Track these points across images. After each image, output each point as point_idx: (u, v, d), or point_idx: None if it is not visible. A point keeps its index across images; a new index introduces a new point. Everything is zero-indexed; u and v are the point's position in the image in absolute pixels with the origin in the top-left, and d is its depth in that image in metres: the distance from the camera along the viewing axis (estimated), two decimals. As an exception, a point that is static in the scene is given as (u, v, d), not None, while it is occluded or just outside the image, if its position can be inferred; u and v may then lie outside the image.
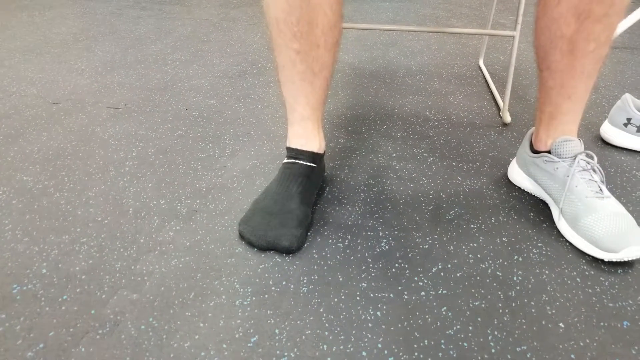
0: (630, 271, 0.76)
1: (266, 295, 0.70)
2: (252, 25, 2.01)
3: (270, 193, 0.86)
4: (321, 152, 0.92)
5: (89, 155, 1.04)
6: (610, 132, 1.11)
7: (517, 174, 0.96)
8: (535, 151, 0.92)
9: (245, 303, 0.69)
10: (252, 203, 0.86)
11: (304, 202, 0.85)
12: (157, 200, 0.91)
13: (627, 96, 1.08)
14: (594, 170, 0.85)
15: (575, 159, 0.84)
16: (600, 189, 0.82)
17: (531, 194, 0.95)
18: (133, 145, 1.08)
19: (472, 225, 0.86)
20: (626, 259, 0.76)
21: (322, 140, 0.92)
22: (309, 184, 0.88)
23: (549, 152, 0.88)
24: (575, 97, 0.84)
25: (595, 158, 0.85)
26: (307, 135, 0.89)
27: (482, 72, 1.54)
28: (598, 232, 0.78)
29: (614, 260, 0.76)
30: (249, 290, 0.71)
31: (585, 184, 0.82)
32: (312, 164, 0.89)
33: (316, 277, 0.74)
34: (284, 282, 0.73)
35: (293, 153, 0.89)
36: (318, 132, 0.91)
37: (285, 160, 0.90)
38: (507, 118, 1.22)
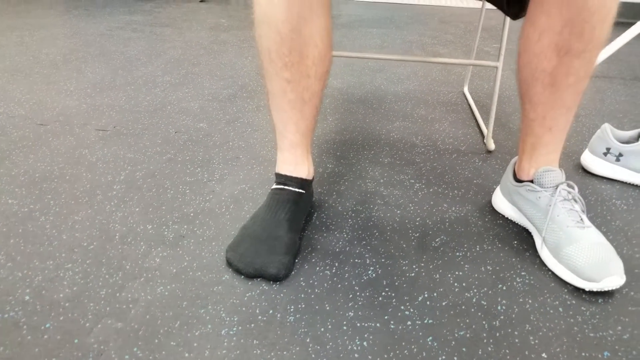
0: (610, 301, 0.78)
1: (252, 325, 0.70)
2: (242, 49, 2.03)
3: (258, 219, 0.86)
4: (310, 178, 0.93)
5: (76, 179, 1.04)
6: (591, 161, 1.13)
7: (501, 202, 0.98)
8: (518, 180, 0.94)
9: (231, 332, 0.69)
10: (240, 229, 0.86)
11: (292, 228, 0.85)
12: (144, 225, 0.91)
13: (606, 126, 1.11)
14: (574, 200, 0.87)
15: (556, 188, 0.86)
16: (581, 219, 0.84)
17: (514, 222, 0.96)
18: (121, 169, 1.09)
19: (457, 253, 0.87)
20: (607, 289, 0.77)
21: (311, 166, 0.93)
22: (297, 210, 0.88)
23: (531, 181, 0.90)
24: (556, 129, 0.86)
25: (576, 188, 0.87)
26: (296, 162, 0.90)
27: (467, 99, 1.57)
28: (579, 262, 0.79)
29: (595, 289, 0.77)
30: (235, 319, 0.71)
31: (567, 214, 0.84)
32: (300, 190, 0.90)
33: (303, 306, 0.74)
34: (270, 311, 0.73)
35: (282, 179, 0.90)
36: (307, 158, 0.92)
37: (274, 186, 0.90)
38: (491, 145, 1.24)
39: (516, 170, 0.95)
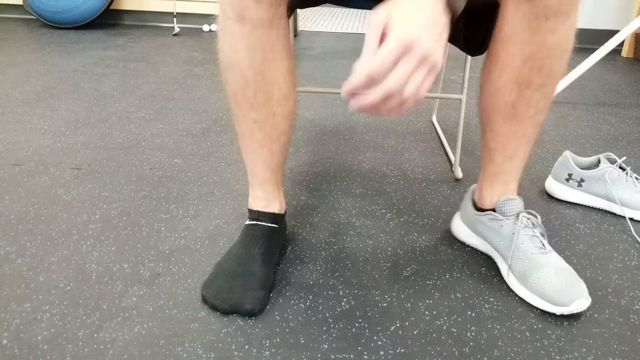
0: (575, 323, 0.81)
1: (229, 360, 0.72)
2: (215, 83, 2.06)
3: (232, 255, 0.88)
4: (282, 212, 0.95)
5: (52, 219, 1.05)
6: (554, 186, 1.18)
7: (462, 231, 1.01)
8: (479, 209, 0.97)
9: (208, 368, 0.71)
10: (214, 265, 0.88)
11: (266, 263, 0.87)
12: (121, 264, 0.92)
13: (567, 153, 1.16)
14: (534, 226, 0.91)
15: (518, 216, 0.90)
16: (543, 244, 0.88)
17: (477, 249, 1.00)
18: (96, 207, 1.10)
19: (428, 282, 0.90)
20: (576, 312, 0.81)
21: (283, 200, 0.96)
22: (271, 244, 0.91)
23: (493, 209, 0.94)
24: (516, 158, 0.91)
25: (539, 217, 0.91)
26: (267, 198, 0.93)
27: (435, 128, 1.62)
28: (548, 288, 0.83)
29: (566, 313, 0.81)
30: (212, 355, 0.73)
31: (529, 241, 0.88)
32: (273, 225, 0.92)
33: (278, 340, 0.76)
34: (246, 347, 0.75)
35: (255, 215, 0.93)
36: (278, 193, 0.95)
37: (247, 222, 0.93)
38: (459, 174, 1.28)
39: (476, 199, 0.99)
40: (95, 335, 0.75)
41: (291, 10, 0.95)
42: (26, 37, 2.78)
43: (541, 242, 0.89)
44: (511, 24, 0.77)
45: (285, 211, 0.98)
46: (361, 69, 0.57)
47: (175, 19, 3.17)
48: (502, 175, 0.93)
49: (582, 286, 0.83)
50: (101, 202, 1.12)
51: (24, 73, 2.10)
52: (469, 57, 1.22)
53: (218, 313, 0.81)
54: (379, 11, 0.58)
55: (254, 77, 0.80)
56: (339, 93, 1.55)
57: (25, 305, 0.81)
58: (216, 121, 1.62)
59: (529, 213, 0.92)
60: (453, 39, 1.01)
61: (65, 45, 2.63)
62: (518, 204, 0.91)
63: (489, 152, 0.93)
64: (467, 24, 0.92)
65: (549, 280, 0.83)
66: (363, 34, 3.23)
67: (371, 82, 0.57)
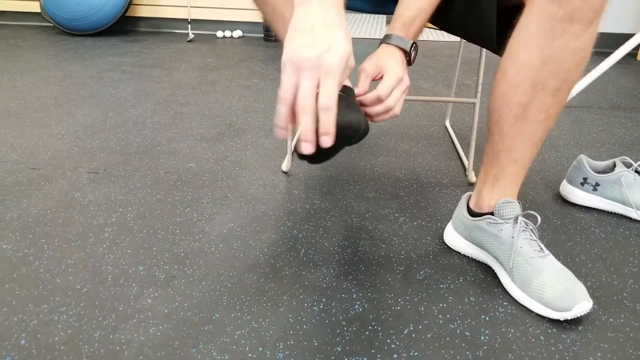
0: (590, 328, 0.80)
1: (243, 362, 0.73)
2: (229, 88, 2.08)
3: None
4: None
5: (69, 222, 1.06)
6: (569, 190, 1.17)
7: (456, 239, 1.00)
8: (474, 214, 0.97)
9: (222, 370, 0.71)
10: None
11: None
12: (136, 266, 0.93)
13: (582, 157, 1.16)
14: (532, 230, 0.90)
15: (517, 220, 0.90)
16: (541, 248, 0.88)
17: (472, 258, 0.99)
18: (112, 211, 1.11)
19: (441, 285, 0.90)
20: (579, 315, 0.80)
21: None
22: None
23: (491, 213, 0.93)
24: (521, 162, 0.90)
25: (539, 219, 0.90)
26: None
27: (449, 132, 1.61)
28: (548, 294, 0.82)
29: (569, 318, 0.80)
30: (226, 357, 0.73)
31: (528, 244, 0.88)
32: None
33: (292, 342, 0.76)
34: (260, 348, 0.75)
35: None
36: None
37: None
38: (473, 178, 1.28)
39: (473, 204, 0.98)
40: (111, 336, 0.76)
41: None
42: (44, 44, 2.83)
43: (539, 245, 0.88)
44: (536, 24, 0.78)
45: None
46: (371, 93, 0.85)
47: (189, 25, 3.21)
48: (504, 179, 0.92)
49: (582, 288, 0.83)
50: (117, 205, 1.14)
51: (42, 79, 2.13)
52: (483, 61, 1.22)
53: (232, 315, 0.81)
54: (369, 63, 0.88)
55: None
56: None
57: (42, 306, 0.82)
58: (230, 126, 1.64)
59: (526, 216, 0.91)
60: (485, 42, 1.01)
61: (81, 51, 2.67)
62: (516, 207, 0.90)
63: (494, 154, 0.92)
64: (500, 26, 0.92)
65: (548, 285, 0.83)
66: (369, 39, 3.23)
67: (377, 101, 0.85)
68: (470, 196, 0.99)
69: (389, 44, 0.89)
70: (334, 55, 0.62)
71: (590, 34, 0.77)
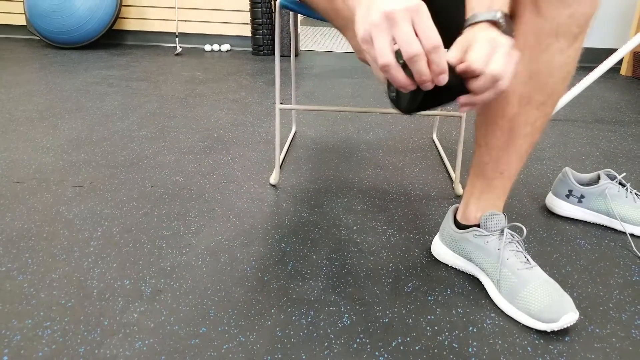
0: (576, 339, 0.81)
1: (230, 376, 0.72)
2: (217, 101, 2.08)
3: None
4: None
5: (54, 236, 1.05)
6: (555, 203, 1.18)
7: (444, 252, 1.00)
8: (462, 227, 0.97)
9: (209, 384, 0.70)
10: None
11: None
12: (122, 280, 0.92)
13: (567, 170, 1.17)
14: (518, 242, 0.91)
15: (502, 232, 0.90)
16: (527, 259, 0.89)
17: (459, 270, 0.99)
18: (98, 225, 1.10)
19: (429, 297, 0.90)
20: (566, 326, 0.80)
21: None
22: None
23: (477, 225, 0.94)
24: (507, 174, 0.91)
25: (525, 230, 0.91)
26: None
27: (436, 145, 1.63)
28: (535, 306, 0.83)
29: (556, 329, 0.81)
30: (213, 371, 0.72)
31: (515, 256, 0.88)
32: None
33: (280, 356, 0.76)
34: (247, 362, 0.74)
35: None
36: None
37: None
38: (460, 190, 1.29)
39: (459, 217, 0.98)
40: (97, 351, 0.75)
41: None
42: (29, 57, 2.81)
43: (525, 256, 0.89)
44: (522, 38, 0.79)
45: None
46: (461, 65, 0.64)
47: (177, 39, 3.21)
48: (490, 191, 0.93)
49: (568, 299, 0.83)
50: (103, 219, 1.12)
51: (27, 92, 2.12)
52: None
53: (220, 329, 0.80)
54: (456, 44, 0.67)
55: None
56: (340, 111, 1.56)
57: (26, 321, 0.81)
58: (217, 139, 1.63)
59: (512, 228, 0.92)
60: None
61: (68, 65, 2.66)
62: (502, 219, 0.91)
63: (480, 166, 0.93)
64: None
65: (535, 297, 0.83)
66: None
67: (471, 73, 0.64)
68: (457, 208, 1.00)
69: (471, 24, 0.69)
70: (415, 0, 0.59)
71: (575, 49, 0.79)
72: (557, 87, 0.82)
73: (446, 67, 0.61)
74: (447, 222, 0.99)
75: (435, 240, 1.03)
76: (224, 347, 0.77)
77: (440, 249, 1.01)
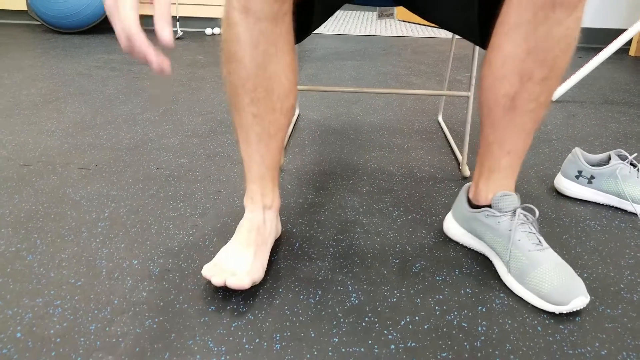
0: (587, 319, 0.81)
1: (240, 354, 0.72)
2: (219, 85, 2.07)
3: (226, 251, 0.88)
4: (275, 208, 0.95)
5: (61, 217, 1.05)
6: (564, 184, 1.18)
7: (455, 230, 1.00)
8: (474, 206, 0.97)
9: (219, 362, 0.70)
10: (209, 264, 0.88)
11: (258, 257, 0.87)
12: (130, 260, 0.92)
13: (577, 150, 1.16)
14: (531, 223, 0.90)
15: (515, 212, 0.90)
16: (539, 241, 0.88)
17: (471, 248, 0.99)
18: (105, 206, 1.10)
19: (437, 278, 0.90)
20: (574, 310, 0.80)
21: (277, 197, 0.95)
22: (263, 239, 0.90)
23: (489, 206, 0.93)
24: (514, 153, 0.90)
25: (537, 212, 0.91)
26: (262, 193, 0.92)
27: (442, 127, 1.62)
28: (545, 287, 0.82)
29: (564, 312, 0.81)
30: (223, 349, 0.73)
31: (526, 237, 0.88)
32: (265, 220, 0.92)
33: (289, 334, 0.76)
34: (257, 340, 0.74)
35: (249, 209, 0.93)
36: (272, 189, 0.93)
37: (243, 217, 0.93)
38: (466, 172, 1.28)
39: (472, 196, 0.98)
40: (107, 329, 0.75)
41: (304, 29, 0.97)
42: (31, 42, 2.80)
43: (537, 238, 0.88)
44: (517, 13, 0.77)
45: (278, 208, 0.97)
46: None
47: (177, 22, 3.19)
48: (499, 171, 0.92)
49: (580, 283, 0.82)
50: (109, 200, 1.12)
51: (30, 77, 2.11)
52: (477, 54, 1.22)
53: (229, 308, 0.80)
54: None
55: (255, 70, 0.80)
56: (343, 92, 1.55)
57: (37, 300, 0.81)
58: (221, 122, 1.63)
59: (525, 209, 0.91)
60: (468, 34, 1.01)
61: (69, 49, 2.65)
62: (515, 199, 0.90)
63: (487, 146, 0.92)
64: (482, 17, 0.92)
65: (546, 279, 0.83)
66: (366, 36, 3.24)
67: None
68: (470, 187, 0.99)
69: None
70: None
71: (575, 19, 0.76)
72: (558, 61, 0.79)
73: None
74: (460, 200, 0.99)
75: (447, 217, 1.03)
76: (233, 325, 0.77)
77: (452, 226, 1.01)
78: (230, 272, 0.82)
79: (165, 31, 0.57)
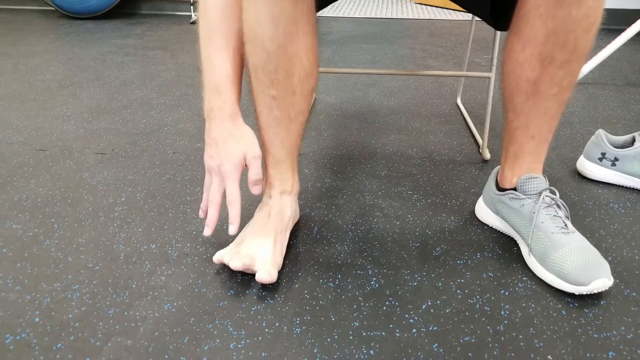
0: (612, 302, 0.79)
1: (260, 338, 0.71)
2: (235, 69, 2.05)
3: (244, 236, 0.87)
4: (294, 194, 0.94)
5: (78, 202, 1.05)
6: (587, 166, 1.15)
7: (484, 212, 0.99)
8: (501, 189, 0.95)
9: (239, 346, 0.70)
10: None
11: (275, 243, 0.86)
12: (148, 244, 0.91)
13: (601, 132, 1.13)
14: (558, 206, 0.88)
15: (540, 195, 0.88)
16: (565, 225, 0.85)
17: (499, 231, 0.97)
18: (122, 191, 1.10)
19: (458, 261, 0.88)
20: (596, 291, 0.78)
21: (297, 183, 0.94)
22: (281, 225, 0.89)
23: (514, 189, 0.91)
24: (538, 138, 0.88)
25: (557, 194, 0.88)
26: (280, 178, 0.91)
27: (460, 110, 1.59)
28: (566, 267, 0.80)
29: (584, 293, 0.79)
30: (243, 333, 0.72)
31: (551, 220, 0.85)
32: (284, 205, 0.91)
33: (309, 318, 0.75)
34: (277, 324, 0.74)
35: (267, 194, 0.91)
36: (292, 174, 0.92)
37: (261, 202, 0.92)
38: (487, 155, 1.26)
39: (499, 179, 0.96)
40: (126, 313, 0.75)
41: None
42: (45, 28, 2.80)
43: (564, 222, 0.86)
44: None
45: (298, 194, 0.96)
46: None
47: (192, 7, 3.17)
48: (524, 155, 0.90)
49: (604, 266, 0.80)
50: (126, 185, 1.12)
51: (45, 62, 2.11)
52: (499, 34, 1.19)
53: (248, 292, 0.80)
54: None
55: (276, 51, 0.78)
56: (360, 74, 1.52)
57: (55, 284, 0.81)
58: (237, 106, 1.61)
59: (551, 191, 0.89)
60: (479, 11, 0.99)
61: (84, 34, 2.64)
62: (541, 182, 0.88)
63: (511, 131, 0.90)
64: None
65: (568, 260, 0.80)
66: (381, 19, 3.19)
67: None
68: (498, 170, 0.98)
69: None
70: (229, 164, 0.81)
71: None
72: (580, 42, 0.76)
73: (237, 221, 0.84)
74: (489, 183, 0.98)
75: (478, 201, 1.02)
76: (253, 309, 0.76)
77: (481, 210, 1.00)
78: (249, 257, 0.81)
79: (254, 190, 0.85)
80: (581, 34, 0.75)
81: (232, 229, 0.83)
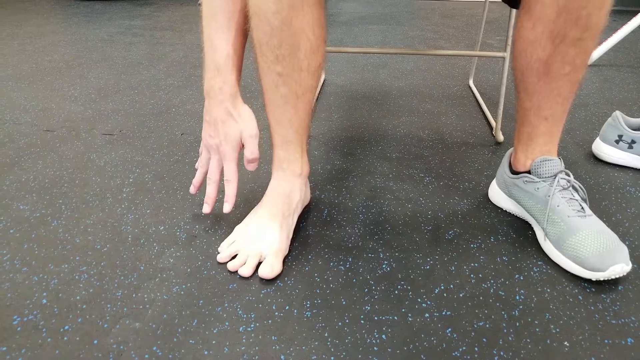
0: (631, 287, 0.77)
1: (270, 321, 0.70)
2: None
3: (253, 217, 0.86)
4: (304, 174, 0.91)
5: (86, 183, 1.04)
6: (603, 149, 1.12)
7: (497, 195, 0.97)
8: (514, 172, 0.93)
9: (249, 329, 0.69)
10: (236, 228, 0.87)
11: (281, 226, 0.85)
12: (156, 226, 0.90)
13: (618, 113, 1.10)
14: (574, 189, 0.85)
15: (555, 178, 0.85)
16: (582, 207, 0.83)
17: (513, 214, 0.95)
18: (129, 172, 1.08)
19: (471, 245, 0.87)
20: (613, 277, 0.76)
21: (306, 163, 0.91)
22: (290, 207, 0.88)
23: (529, 172, 0.89)
24: (552, 119, 0.85)
25: (572, 176, 0.86)
26: (289, 158, 0.89)
27: (473, 92, 1.56)
28: (583, 252, 0.78)
29: (602, 279, 0.76)
30: (253, 316, 0.71)
31: (567, 203, 0.83)
32: (293, 186, 0.89)
33: (319, 301, 0.74)
34: (287, 307, 0.72)
35: (276, 175, 0.89)
36: (301, 154, 0.90)
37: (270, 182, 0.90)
38: (500, 137, 1.23)
39: (512, 162, 0.94)
40: (134, 295, 0.74)
41: None
42: (52, 9, 2.78)
43: (580, 205, 0.83)
44: None
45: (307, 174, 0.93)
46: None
47: (200, -12, 3.13)
48: (537, 137, 0.87)
49: (622, 250, 0.78)
50: (134, 166, 1.11)
51: (53, 43, 2.09)
52: (514, 12, 1.16)
53: (257, 274, 0.79)
54: None
55: (281, 25, 0.75)
56: (370, 53, 1.50)
57: (62, 266, 0.80)
58: (245, 87, 1.59)
59: (567, 174, 0.86)
60: None
61: (91, 15, 2.62)
62: (556, 164, 0.86)
63: (523, 113, 0.87)
64: None
65: (585, 245, 0.78)
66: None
67: None
68: (511, 153, 0.95)
69: None
70: (227, 145, 0.84)
71: None
72: (593, 19, 0.73)
73: (233, 201, 0.87)
74: (503, 166, 0.95)
75: (492, 184, 1.00)
76: (262, 291, 0.75)
77: (495, 193, 0.98)
78: (253, 250, 0.80)
79: (249, 167, 0.88)
80: (593, 10, 0.72)
81: (227, 207, 0.86)
